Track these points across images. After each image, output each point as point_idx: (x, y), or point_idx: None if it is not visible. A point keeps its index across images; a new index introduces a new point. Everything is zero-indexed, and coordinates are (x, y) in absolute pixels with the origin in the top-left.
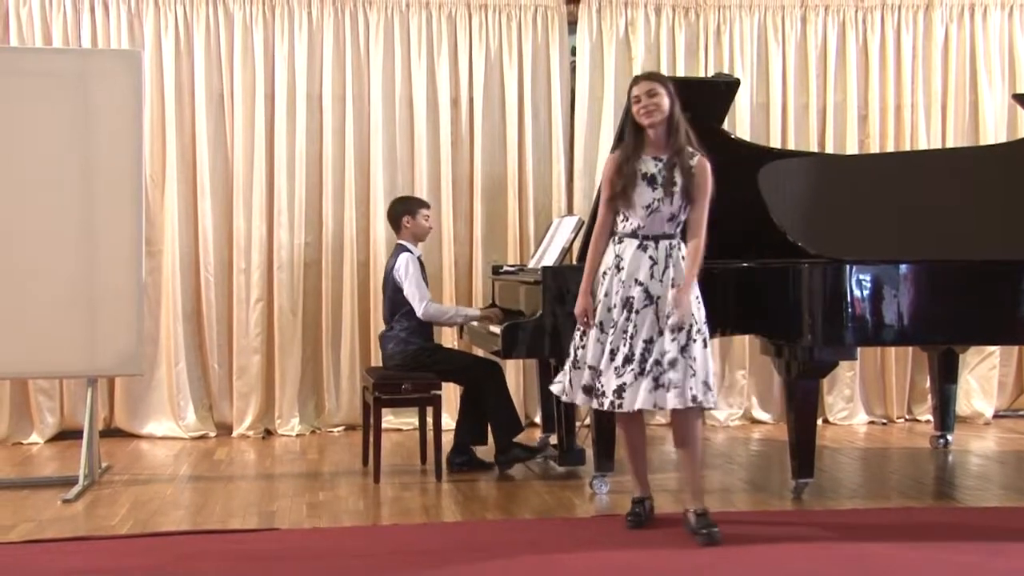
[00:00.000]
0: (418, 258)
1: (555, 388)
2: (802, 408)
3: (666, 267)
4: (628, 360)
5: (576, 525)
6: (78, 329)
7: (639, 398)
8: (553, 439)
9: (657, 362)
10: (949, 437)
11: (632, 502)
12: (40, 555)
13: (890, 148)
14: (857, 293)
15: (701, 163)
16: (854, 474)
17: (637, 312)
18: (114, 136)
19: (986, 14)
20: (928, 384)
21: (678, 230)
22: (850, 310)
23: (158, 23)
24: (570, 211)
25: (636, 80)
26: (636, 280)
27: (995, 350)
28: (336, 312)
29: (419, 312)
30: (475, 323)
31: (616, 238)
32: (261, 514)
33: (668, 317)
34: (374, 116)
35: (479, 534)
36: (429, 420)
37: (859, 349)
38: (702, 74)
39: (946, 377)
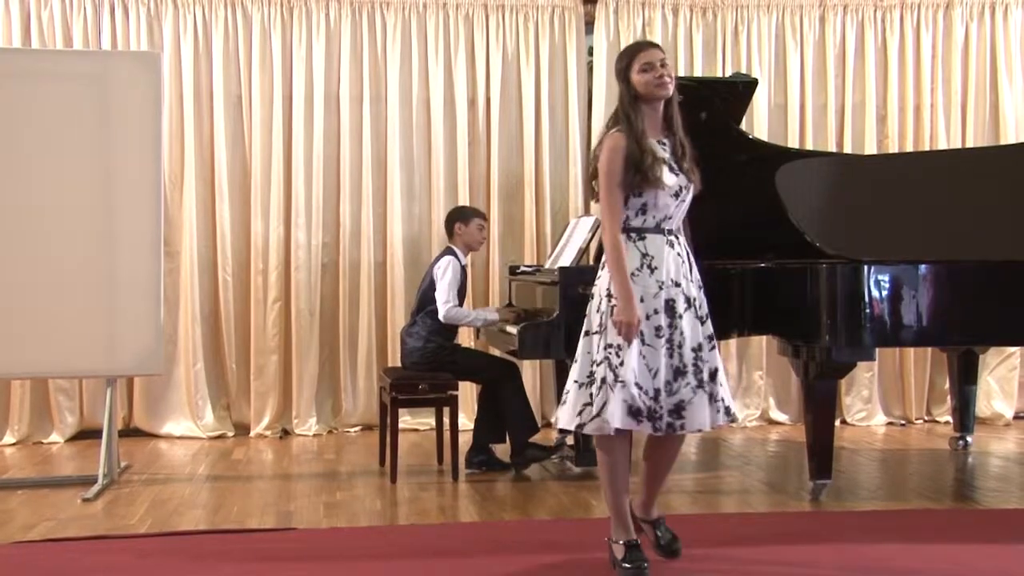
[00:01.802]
0: (463, 267)
1: (591, 427)
2: (820, 409)
3: (690, 265)
4: (681, 373)
5: (593, 525)
6: (97, 329)
7: (702, 417)
8: (569, 439)
9: (712, 374)
10: (969, 439)
11: (627, 547)
12: (60, 554)
13: (909, 148)
14: (875, 293)
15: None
16: (872, 475)
17: (681, 317)
18: (133, 137)
19: (1007, 13)
20: (947, 385)
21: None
22: (868, 310)
23: (177, 25)
24: (587, 211)
25: (641, 47)
26: (674, 281)
27: (1015, 351)
28: (353, 312)
29: (440, 312)
30: (494, 327)
31: (635, 234)
32: (278, 514)
33: (703, 322)
34: (391, 117)
35: (496, 534)
36: (446, 420)
37: (877, 350)
38: (720, 74)
39: (966, 378)
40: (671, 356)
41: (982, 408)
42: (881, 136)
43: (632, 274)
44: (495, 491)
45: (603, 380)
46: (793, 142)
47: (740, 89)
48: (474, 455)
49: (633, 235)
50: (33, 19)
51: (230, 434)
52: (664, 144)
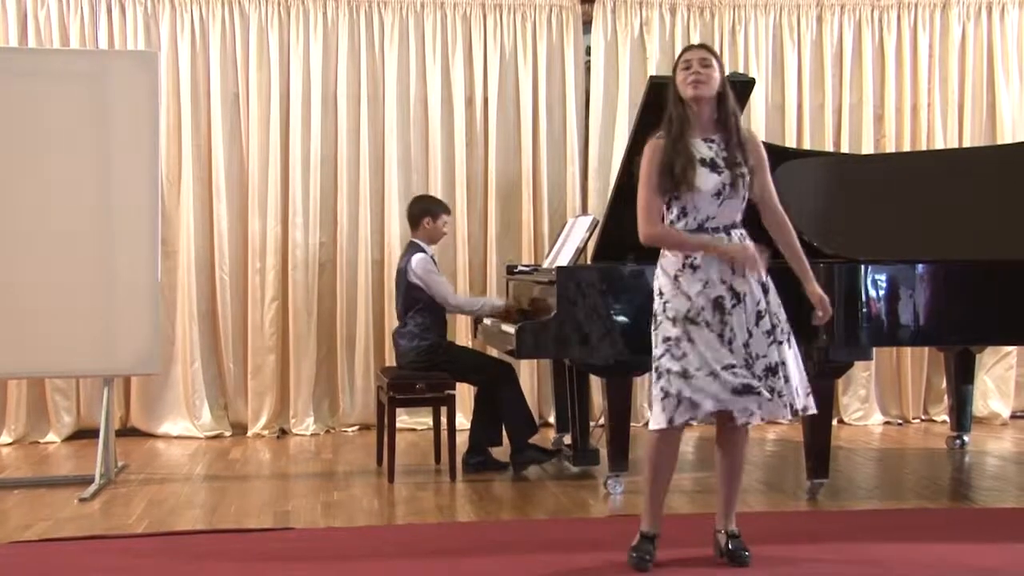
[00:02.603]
0: (431, 257)
1: (660, 421)
2: (817, 408)
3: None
4: (729, 368)
5: (590, 525)
6: (94, 329)
7: (751, 408)
8: (567, 439)
9: (769, 368)
10: (966, 438)
11: (642, 537)
12: (57, 554)
13: (906, 148)
14: (872, 293)
15: (753, 135)
16: (869, 475)
17: (729, 314)
18: (130, 136)
19: (1004, 13)
20: (944, 384)
21: (742, 217)
22: (865, 310)
23: (174, 24)
24: (584, 211)
25: (688, 48)
26: (721, 279)
27: (1012, 350)
28: (351, 312)
29: (450, 304)
30: (488, 321)
31: None
32: (276, 513)
33: (759, 317)
34: (389, 116)
35: (493, 534)
36: (443, 420)
37: (874, 349)
38: None
39: (962, 377)
40: (730, 349)
41: (979, 407)
42: (878, 136)
43: (675, 277)
44: (493, 491)
45: (668, 371)
46: (790, 142)
47: (737, 89)
48: (471, 457)
49: None
50: (30, 18)
51: (227, 434)
52: (712, 142)
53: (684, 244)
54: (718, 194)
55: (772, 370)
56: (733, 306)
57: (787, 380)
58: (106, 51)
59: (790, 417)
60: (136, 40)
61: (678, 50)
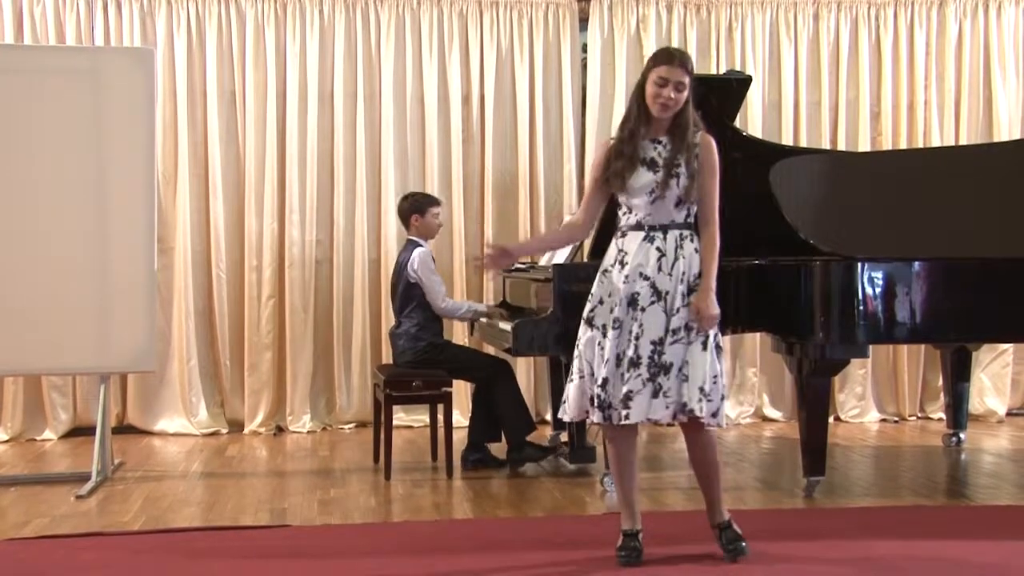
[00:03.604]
0: (430, 254)
1: (561, 410)
2: (814, 406)
3: (675, 259)
4: (635, 364)
5: (587, 523)
6: (91, 326)
7: (644, 407)
8: (564, 437)
9: (662, 367)
10: (962, 435)
11: (624, 535)
12: (53, 551)
13: (903, 145)
14: (869, 290)
15: (705, 139)
16: (866, 472)
17: (643, 310)
18: (127, 134)
19: (1000, 10)
20: (940, 382)
21: (689, 219)
22: (862, 308)
23: (171, 21)
24: None
25: (669, 59)
26: (642, 274)
27: (1008, 348)
28: (347, 309)
29: (438, 306)
30: (484, 320)
31: (619, 232)
32: (272, 511)
33: (674, 316)
34: (385, 113)
35: (490, 531)
36: (440, 417)
37: (871, 347)
38: (714, 71)
39: (959, 375)
40: (629, 347)
41: (975, 405)
42: (875, 133)
43: (605, 270)
44: (490, 488)
45: (570, 372)
46: (787, 139)
47: (734, 86)
48: (470, 454)
49: (618, 233)
50: (26, 15)
51: (224, 431)
52: (659, 143)
53: (531, 241)
54: (650, 192)
55: (665, 368)
56: (651, 303)
57: (686, 380)
58: (102, 48)
59: (673, 418)
60: (132, 37)
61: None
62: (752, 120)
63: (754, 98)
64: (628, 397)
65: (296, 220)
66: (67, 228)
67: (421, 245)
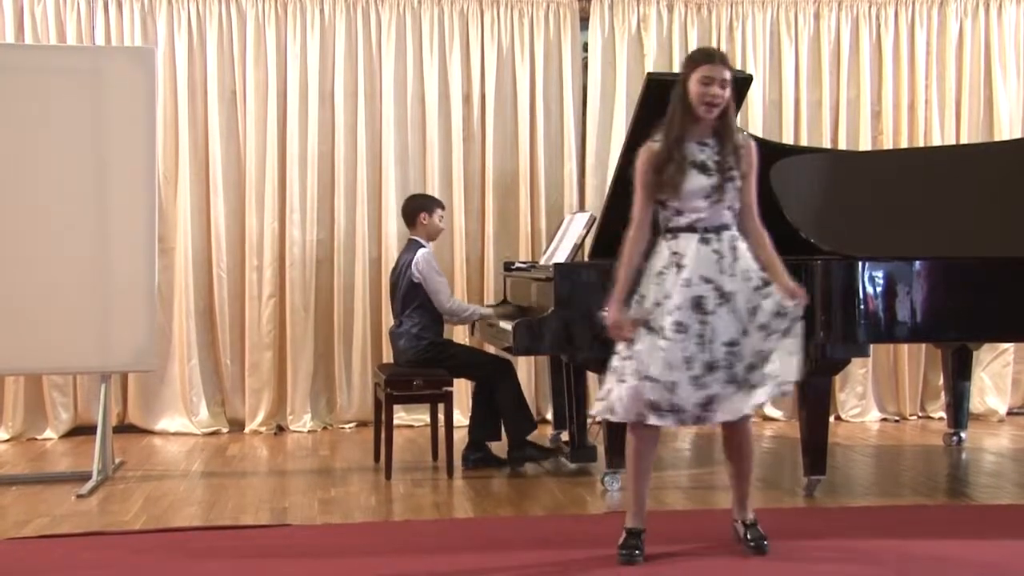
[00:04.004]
0: (432, 253)
1: (599, 408)
2: (814, 405)
3: (734, 259)
4: (711, 368)
5: (587, 522)
6: (92, 326)
7: (731, 408)
8: (564, 436)
9: (751, 366)
10: (963, 434)
11: (628, 533)
12: (54, 550)
13: (903, 145)
14: (870, 290)
15: (749, 142)
16: (866, 472)
17: (711, 313)
18: (127, 133)
19: (1001, 9)
20: (941, 381)
21: (734, 219)
22: (863, 307)
23: (171, 21)
24: (582, 207)
25: (709, 57)
26: (703, 278)
27: (1009, 347)
28: (348, 309)
29: (444, 306)
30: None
31: (668, 234)
32: (273, 510)
33: (753, 313)
34: (386, 113)
35: (491, 531)
36: (441, 416)
37: (872, 346)
38: None
39: (960, 374)
40: (703, 351)
41: (976, 404)
42: (875, 132)
43: (660, 272)
44: (490, 487)
45: (615, 370)
46: (787, 138)
47: (735, 85)
48: (471, 453)
49: (668, 235)
50: (27, 15)
51: (225, 430)
52: (706, 146)
53: (619, 272)
54: (707, 196)
55: (766, 358)
56: (718, 305)
57: (778, 362)
58: (103, 48)
59: (765, 400)
60: (133, 37)
61: (676, 47)
62: (753, 119)
63: (755, 97)
64: (710, 401)
65: (297, 219)
66: (68, 227)
67: (424, 245)
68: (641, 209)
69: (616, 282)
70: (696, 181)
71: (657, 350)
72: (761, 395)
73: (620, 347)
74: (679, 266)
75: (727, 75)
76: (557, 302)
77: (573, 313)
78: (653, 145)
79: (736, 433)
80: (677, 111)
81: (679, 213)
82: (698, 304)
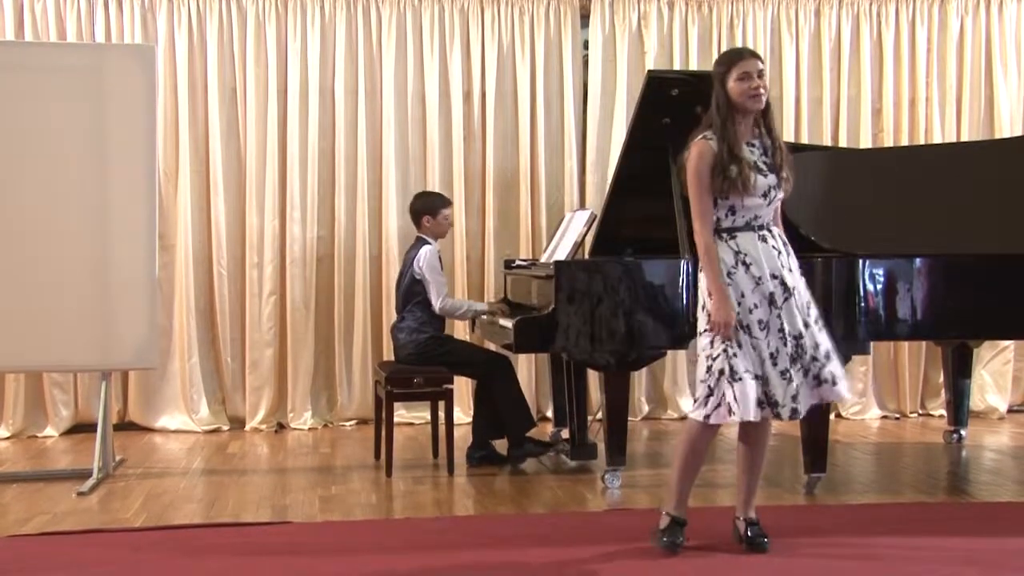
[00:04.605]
0: (437, 252)
1: (710, 413)
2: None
3: (787, 254)
4: (793, 360)
5: (588, 519)
6: (92, 323)
7: (807, 400)
8: (565, 433)
9: (814, 357)
10: (963, 432)
11: (674, 521)
12: (55, 547)
13: (904, 142)
14: (870, 287)
15: (783, 141)
16: (867, 469)
17: (781, 308)
18: (128, 131)
19: (1002, 7)
20: (942, 379)
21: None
22: (863, 304)
23: (171, 18)
24: (582, 205)
25: (741, 55)
26: (772, 274)
27: (1009, 344)
28: (348, 306)
29: (436, 305)
30: (485, 317)
31: (727, 234)
32: (274, 507)
33: (808, 307)
34: (386, 111)
35: (491, 528)
36: (441, 414)
37: (872, 343)
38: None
39: (960, 372)
40: (785, 344)
41: (976, 402)
42: (876, 130)
43: (728, 273)
44: (491, 485)
45: (721, 372)
46: (788, 136)
47: None
48: (474, 451)
49: (725, 235)
50: (27, 12)
51: (225, 428)
52: (753, 146)
53: (713, 275)
54: (765, 195)
55: (828, 356)
56: (785, 299)
57: (828, 362)
58: (103, 45)
59: (846, 396)
60: (133, 34)
61: (676, 44)
62: None
63: None
64: (796, 394)
65: (297, 217)
66: (68, 225)
67: (430, 243)
68: (705, 203)
69: (713, 285)
70: (759, 182)
71: (749, 348)
72: (842, 392)
73: (715, 347)
74: (747, 264)
75: (763, 67)
76: (558, 300)
77: (574, 311)
78: (706, 143)
79: (758, 430)
80: (724, 113)
81: (733, 212)
82: (772, 300)
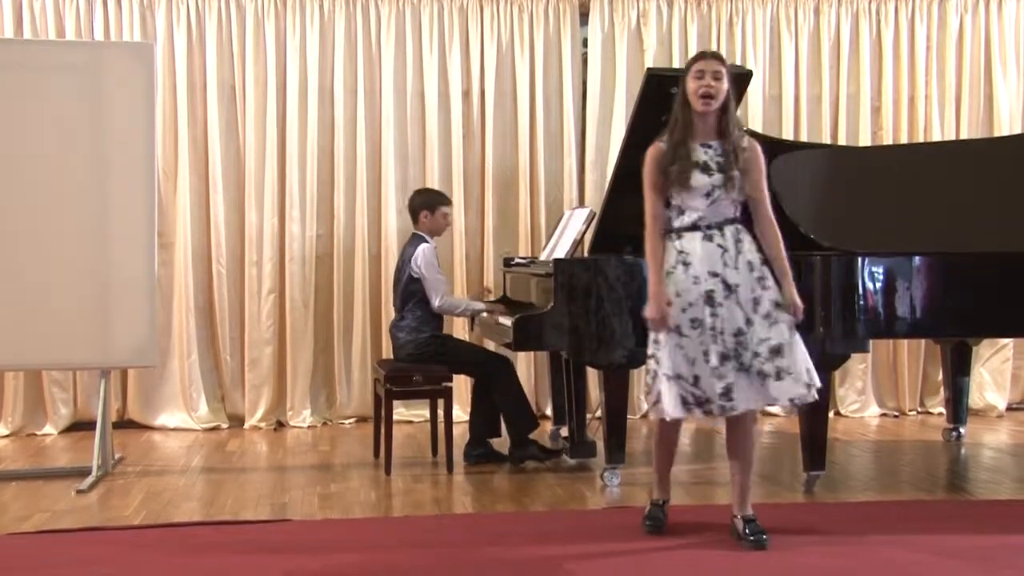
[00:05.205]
0: (434, 249)
1: (656, 411)
2: (814, 401)
3: (737, 252)
4: (725, 358)
5: (587, 517)
6: (91, 321)
7: (748, 396)
8: (564, 431)
9: (756, 353)
10: (962, 430)
11: (652, 504)
12: (54, 545)
13: (903, 140)
14: (869, 285)
15: (752, 143)
16: (866, 467)
17: (720, 305)
18: (127, 129)
19: (1001, 5)
20: (940, 376)
21: (737, 213)
22: (862, 302)
23: (170, 16)
24: (582, 203)
25: (702, 56)
26: (711, 272)
27: (1008, 343)
28: (348, 304)
29: (435, 304)
30: (484, 315)
31: (674, 234)
32: (273, 505)
33: (757, 303)
34: (385, 109)
35: (490, 526)
36: (440, 412)
37: (871, 341)
38: None
39: (959, 370)
40: (716, 342)
41: (975, 399)
42: (875, 128)
43: (668, 272)
44: (490, 483)
45: (654, 373)
46: (787, 134)
47: (734, 81)
48: (472, 448)
49: (673, 235)
50: (25, 9)
51: (224, 426)
52: (710, 147)
53: (651, 273)
54: (707, 195)
55: (777, 351)
56: (725, 297)
57: (784, 363)
58: (102, 43)
59: (804, 393)
60: (132, 32)
61: (675, 42)
62: (752, 114)
63: (754, 92)
64: (728, 391)
65: (296, 215)
66: (67, 223)
67: (426, 241)
68: (653, 205)
69: (650, 283)
70: (698, 180)
71: (677, 348)
72: (787, 389)
73: (651, 346)
74: (686, 264)
75: (720, 68)
76: (557, 298)
77: (573, 309)
78: (660, 145)
79: (739, 426)
80: (679, 114)
81: (682, 212)
82: (709, 298)
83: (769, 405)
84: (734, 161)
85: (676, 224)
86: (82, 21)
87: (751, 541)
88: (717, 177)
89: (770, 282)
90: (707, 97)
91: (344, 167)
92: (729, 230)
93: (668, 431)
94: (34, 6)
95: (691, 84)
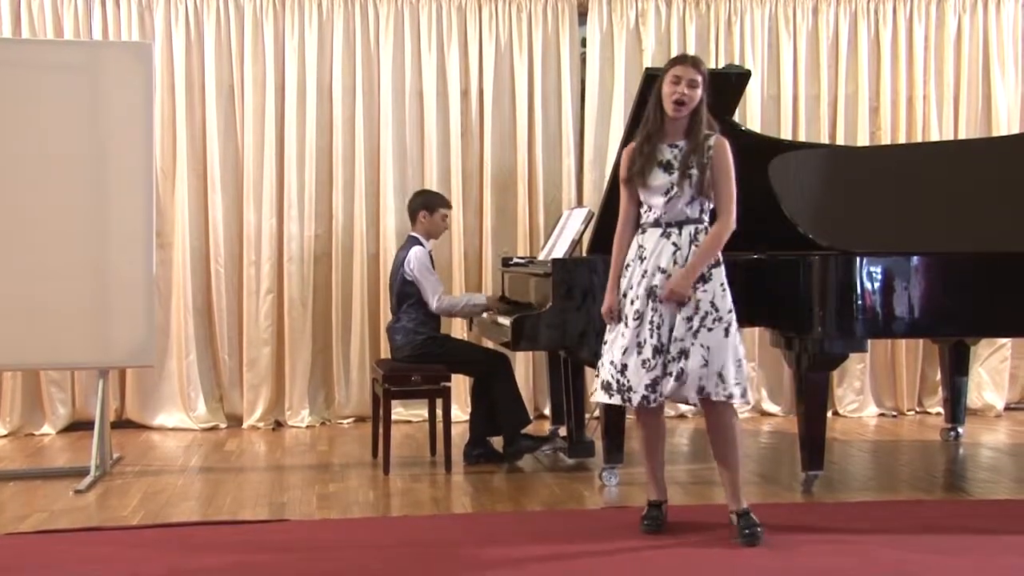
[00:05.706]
0: (428, 252)
1: (595, 396)
2: (812, 400)
3: (689, 252)
4: (658, 351)
5: (585, 517)
6: (90, 321)
7: (671, 389)
8: (562, 431)
9: (667, 351)
10: (960, 430)
11: (648, 505)
12: (52, 545)
13: (901, 140)
14: (868, 285)
15: (719, 141)
16: (864, 467)
17: (661, 301)
18: (125, 129)
19: (999, 5)
20: (939, 376)
21: (703, 215)
22: (860, 302)
23: (168, 15)
24: (580, 203)
25: (681, 60)
26: (659, 268)
27: (1007, 342)
28: (346, 304)
29: (432, 305)
30: (484, 315)
31: (640, 229)
32: (271, 505)
33: (698, 304)
34: (384, 108)
35: (488, 526)
36: (439, 412)
37: (869, 341)
38: (713, 66)
39: (957, 369)
40: (651, 336)
41: (973, 399)
42: (874, 128)
43: (627, 265)
44: (488, 482)
45: (601, 362)
46: (786, 134)
47: (733, 80)
48: (472, 448)
49: (640, 231)
50: (23, 9)
51: (223, 426)
52: (676, 147)
53: (613, 266)
54: (665, 192)
55: (684, 353)
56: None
57: (705, 364)
58: (100, 42)
59: (694, 398)
60: (130, 31)
61: (674, 42)
62: (751, 114)
63: (753, 92)
64: (655, 383)
65: (295, 215)
66: (65, 223)
67: (421, 243)
68: (624, 203)
69: (612, 275)
70: (658, 178)
71: (619, 337)
72: (681, 391)
73: (606, 335)
74: (642, 258)
75: (696, 76)
76: (555, 297)
77: (571, 309)
78: (630, 146)
79: (713, 420)
80: (650, 112)
81: (649, 209)
82: (651, 292)
83: (677, 401)
84: (695, 160)
85: (643, 220)
86: (80, 21)
87: (745, 535)
88: (676, 176)
89: (708, 286)
90: (679, 104)
91: (342, 167)
92: (687, 230)
93: (643, 427)
94: (32, 5)
95: (666, 88)
